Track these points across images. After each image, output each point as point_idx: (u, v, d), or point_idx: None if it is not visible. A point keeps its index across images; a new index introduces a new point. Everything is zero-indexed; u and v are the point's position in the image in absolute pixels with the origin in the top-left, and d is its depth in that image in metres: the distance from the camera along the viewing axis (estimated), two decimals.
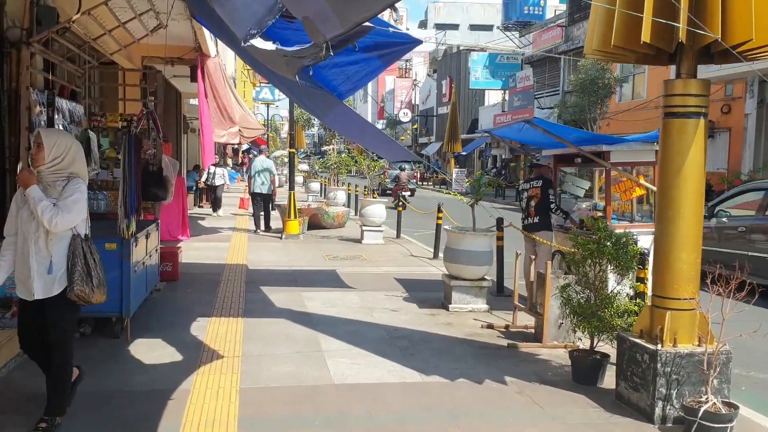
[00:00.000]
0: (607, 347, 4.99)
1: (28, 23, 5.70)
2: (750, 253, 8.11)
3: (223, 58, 17.05)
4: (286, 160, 23.55)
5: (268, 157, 16.06)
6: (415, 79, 60.89)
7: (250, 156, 26.00)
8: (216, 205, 17.45)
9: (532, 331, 6.20)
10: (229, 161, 29.19)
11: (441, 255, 10.87)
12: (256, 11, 3.83)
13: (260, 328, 6.09)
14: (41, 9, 5.81)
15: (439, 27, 64.28)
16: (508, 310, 7.11)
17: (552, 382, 4.82)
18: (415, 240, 13.50)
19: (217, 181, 17.37)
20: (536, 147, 8.00)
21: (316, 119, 22.27)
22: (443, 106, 51.16)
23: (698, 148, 4.13)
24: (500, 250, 7.93)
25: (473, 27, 67.78)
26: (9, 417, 4.00)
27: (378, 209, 12.81)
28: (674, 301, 4.19)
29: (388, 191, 23.26)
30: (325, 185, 23.52)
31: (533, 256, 7.59)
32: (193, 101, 16.33)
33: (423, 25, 69.84)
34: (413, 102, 59.99)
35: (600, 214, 7.42)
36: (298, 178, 28.70)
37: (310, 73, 4.92)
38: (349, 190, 20.21)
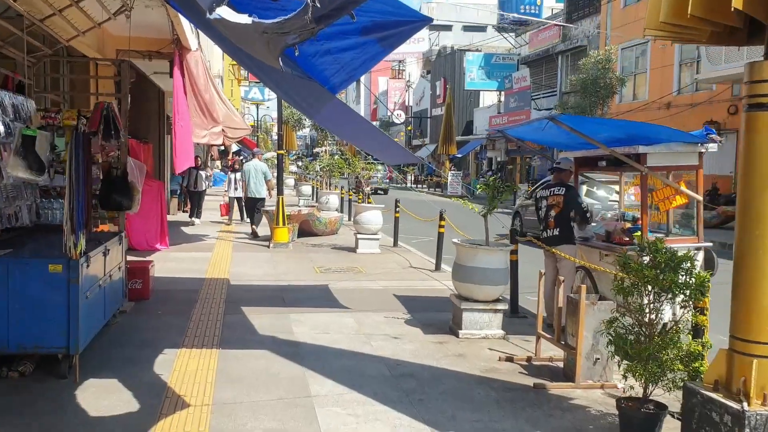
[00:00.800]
0: (659, 390, 4.06)
1: None
2: None
3: (208, 55, 16.06)
4: (276, 161, 22.60)
5: (261, 160, 15.43)
6: (409, 80, 60.01)
7: (241, 158, 25.01)
8: (194, 211, 15.55)
9: (559, 365, 5.27)
10: (218, 163, 28.13)
11: (444, 267, 9.96)
12: None
13: (238, 364, 5.12)
14: None
15: (432, 27, 63.56)
16: (527, 335, 6.18)
17: None
18: (413, 249, 12.55)
19: (199, 186, 15.55)
20: (558, 149, 7.08)
21: (307, 119, 21.34)
22: (437, 108, 50.30)
23: None
24: (514, 265, 6.98)
25: (467, 28, 67.04)
26: None
27: (374, 216, 11.86)
28: (763, 347, 3.27)
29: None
30: (317, 188, 22.54)
31: (561, 278, 6.69)
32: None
33: None
34: (407, 103, 59.10)
35: (629, 225, 6.51)
36: (289, 181, 27.73)
37: (296, 53, 3.95)
38: (341, 194, 19.25)
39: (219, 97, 12.12)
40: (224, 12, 3.26)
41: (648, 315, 3.84)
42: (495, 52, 40.59)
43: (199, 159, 14.22)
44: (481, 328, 6.05)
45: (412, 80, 60.41)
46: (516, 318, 6.82)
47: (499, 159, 39.48)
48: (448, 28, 66.07)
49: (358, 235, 11.85)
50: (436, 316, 6.88)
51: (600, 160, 6.77)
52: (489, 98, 43.78)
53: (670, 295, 3.83)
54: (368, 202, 12.27)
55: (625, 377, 3.97)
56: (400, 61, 60.96)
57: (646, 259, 3.92)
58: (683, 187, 5.74)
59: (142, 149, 12.21)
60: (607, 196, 6.97)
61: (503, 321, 6.26)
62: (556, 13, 35.52)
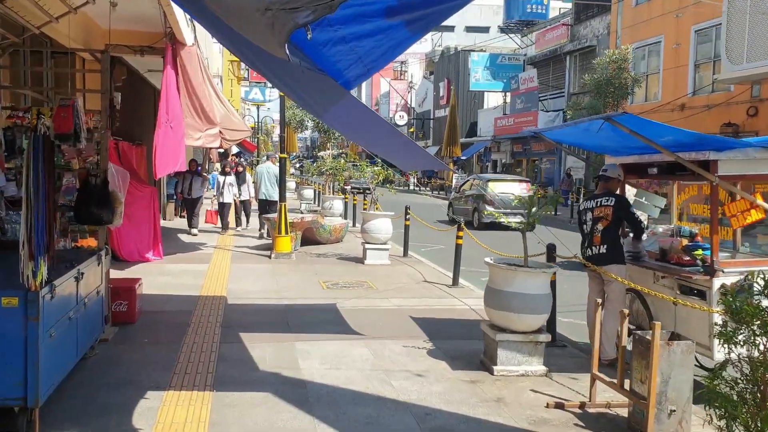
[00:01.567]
0: None
1: None
2: None
3: (206, 52, 15.19)
4: (277, 164, 21.69)
5: (275, 163, 15.04)
6: (411, 81, 59.17)
7: (242, 161, 24.11)
8: (192, 221, 14.03)
9: (620, 412, 4.40)
10: (217, 166, 27.20)
11: (462, 281, 9.10)
12: None
13: (235, 415, 4.25)
14: None
15: (435, 29, 62.81)
16: (572, 371, 5.32)
17: None
18: (425, 259, 11.68)
19: (195, 193, 13.86)
20: (607, 153, 6.22)
21: (309, 120, 20.48)
22: (440, 109, 49.47)
23: None
24: (552, 286, 6.10)
25: (469, 29, 66.36)
26: None
27: (383, 224, 10.98)
28: None
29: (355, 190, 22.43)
30: (320, 192, 21.67)
31: (599, 299, 5.83)
32: None
33: None
34: (409, 105, 58.26)
35: (686, 242, 5.64)
36: (290, 184, 26.85)
37: (309, 36, 3.09)
38: (345, 198, 18.37)
39: (217, 96, 11.26)
40: None
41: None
42: (500, 53, 39.76)
43: (195, 163, 13.34)
44: (520, 364, 5.18)
45: (415, 81, 59.56)
46: (555, 348, 5.94)
47: (504, 161, 38.62)
48: (450, 29, 65.37)
49: (366, 245, 10.99)
50: (463, 345, 6.01)
51: (650, 166, 5.91)
52: (493, 99, 42.94)
53: None
54: (376, 209, 11.43)
55: None
56: (402, 62, 60.12)
57: (764, 301, 3.04)
58: (759, 200, 4.87)
59: (135, 152, 11.34)
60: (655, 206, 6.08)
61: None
62: (564, 13, 34.66)
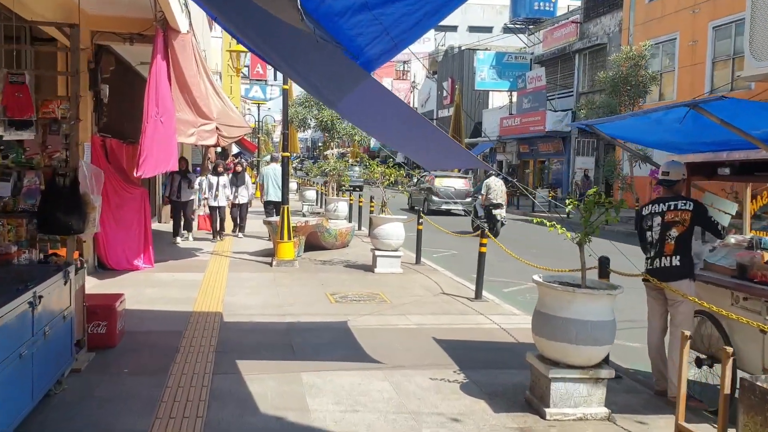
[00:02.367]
0: None
1: None
2: None
3: (203, 44, 14.27)
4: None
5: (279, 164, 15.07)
6: (414, 81, 58.30)
7: (242, 161, 23.15)
8: (182, 227, 12.63)
9: None
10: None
11: (485, 294, 8.18)
12: None
13: None
14: None
15: (438, 28, 62.03)
16: (637, 412, 4.41)
17: None
18: (438, 266, 10.77)
19: (184, 196, 12.35)
20: (668, 150, 5.31)
21: (312, 119, 19.58)
22: (444, 109, 48.60)
23: None
24: None
25: (472, 28, 65.59)
26: None
27: (395, 229, 10.06)
28: None
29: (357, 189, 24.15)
30: (324, 194, 20.76)
31: (660, 321, 4.96)
32: None
33: None
34: (412, 105, 57.39)
35: None
36: (292, 185, 25.89)
37: None
38: (350, 200, 17.47)
39: (214, 89, 10.35)
40: None
41: None
42: (506, 51, 38.86)
43: (184, 161, 12.30)
44: (577, 406, 4.26)
45: (418, 81, 58.69)
46: (609, 380, 5.01)
47: (510, 162, 37.71)
48: (453, 28, 64.63)
49: (377, 252, 10.06)
50: (500, 376, 5.09)
51: (722, 166, 5.01)
52: (498, 99, 42.02)
53: None
54: (384, 212, 10.50)
55: None
56: (405, 62, 59.24)
57: None
58: None
59: (125, 151, 10.41)
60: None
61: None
62: (573, 10, 33.74)
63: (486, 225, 10.49)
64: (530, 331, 6.65)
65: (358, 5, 3.35)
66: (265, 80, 26.51)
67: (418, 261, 10.91)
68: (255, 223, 15.15)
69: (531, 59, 36.76)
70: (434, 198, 22.19)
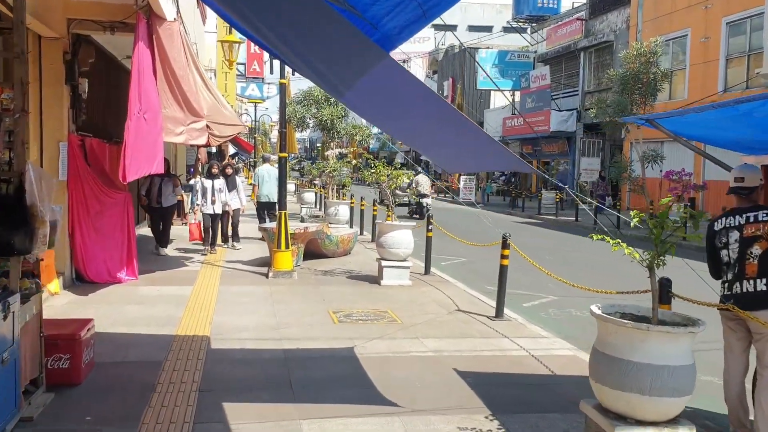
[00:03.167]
0: None
1: None
2: None
3: (194, 38, 13.37)
4: (276, 166, 19.85)
5: (274, 165, 14.06)
6: None
7: (236, 162, 22.22)
8: (162, 238, 11.24)
9: None
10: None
11: (507, 313, 7.31)
12: None
13: None
14: None
15: (437, 28, 61.20)
16: None
17: None
18: (449, 277, 9.90)
19: (165, 200, 10.92)
20: (740, 151, 4.43)
21: (311, 118, 18.70)
22: None
23: None
24: None
25: (472, 28, 64.89)
26: None
27: (403, 237, 9.18)
28: None
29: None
30: (323, 195, 19.87)
31: (742, 358, 4.10)
32: None
33: None
34: None
35: None
36: (290, 186, 25.02)
37: None
38: (351, 202, 16.58)
39: (204, 84, 9.46)
40: None
41: None
42: (508, 50, 38.02)
43: (167, 162, 11.17)
44: None
45: None
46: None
47: None
48: (452, 28, 63.95)
49: (383, 262, 9.18)
50: (542, 423, 4.21)
51: None
52: (500, 99, 41.16)
53: None
54: (389, 219, 9.63)
55: None
56: (404, 61, 58.37)
57: None
58: None
59: (109, 152, 9.49)
60: None
61: None
62: (578, 7, 32.89)
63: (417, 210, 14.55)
64: (564, 359, 5.85)
65: None
66: (262, 78, 25.65)
67: (427, 271, 10.04)
68: (250, 228, 14.27)
69: (534, 58, 35.92)
70: (398, 192, 24.36)
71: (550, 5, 35.05)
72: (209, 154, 17.22)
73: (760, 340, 3.85)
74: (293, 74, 9.73)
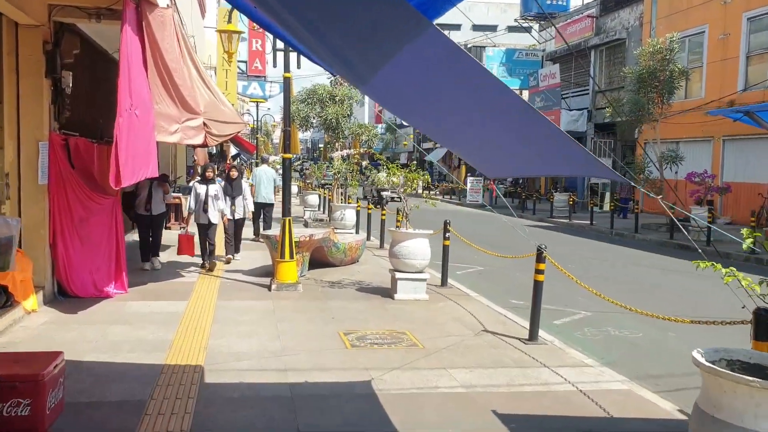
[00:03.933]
0: None
1: None
2: None
3: (190, 30, 12.53)
4: (278, 167, 19.06)
5: (271, 166, 14.55)
6: None
7: (236, 165, 21.35)
8: (150, 250, 9.89)
9: None
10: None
11: (542, 335, 6.46)
12: None
13: None
14: None
15: (441, 27, 60.47)
16: None
17: None
18: (468, 289, 9.06)
19: (156, 208, 9.72)
20: None
21: (315, 117, 17.85)
22: None
23: None
24: None
25: (476, 27, 64.13)
26: None
27: (420, 246, 8.33)
28: None
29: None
30: (328, 198, 19.04)
31: None
32: None
33: None
34: None
35: None
36: (292, 188, 24.17)
37: None
38: (358, 206, 15.76)
39: (201, 78, 8.63)
40: None
41: None
42: (515, 48, 37.20)
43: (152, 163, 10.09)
44: None
45: None
46: None
47: None
48: (456, 27, 63.16)
49: (397, 274, 8.33)
50: None
51: None
52: None
53: None
54: (398, 225, 8.79)
55: None
56: None
57: None
58: None
59: (97, 152, 8.64)
60: None
61: None
62: (588, 4, 32.05)
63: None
64: (618, 395, 4.97)
65: None
66: (264, 76, 24.87)
67: (444, 283, 9.20)
68: (245, 231, 13.40)
69: (543, 56, 35.09)
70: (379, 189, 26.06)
71: (560, 2, 34.24)
72: (209, 154, 16.40)
73: None
74: (298, 67, 8.85)
